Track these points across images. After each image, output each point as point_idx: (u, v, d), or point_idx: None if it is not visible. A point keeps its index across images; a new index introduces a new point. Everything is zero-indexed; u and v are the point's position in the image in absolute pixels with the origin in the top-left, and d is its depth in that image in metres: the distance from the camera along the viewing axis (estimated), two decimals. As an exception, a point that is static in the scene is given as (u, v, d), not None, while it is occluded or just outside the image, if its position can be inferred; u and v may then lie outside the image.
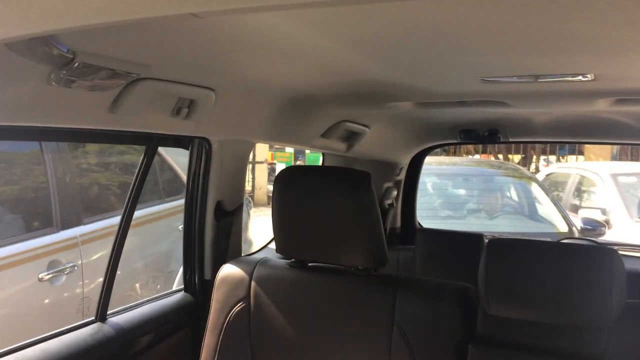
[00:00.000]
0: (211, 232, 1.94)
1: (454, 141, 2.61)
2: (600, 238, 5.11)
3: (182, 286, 2.02)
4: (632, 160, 11.90)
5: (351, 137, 2.26)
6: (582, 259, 1.33)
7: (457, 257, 2.47)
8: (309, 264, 1.69)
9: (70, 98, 1.21)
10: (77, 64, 1.07)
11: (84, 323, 1.68)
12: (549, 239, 4.99)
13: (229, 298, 1.69)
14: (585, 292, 1.29)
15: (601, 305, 1.27)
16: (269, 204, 13.53)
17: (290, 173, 1.67)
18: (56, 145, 3.15)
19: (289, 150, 18.27)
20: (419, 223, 3.13)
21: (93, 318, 1.71)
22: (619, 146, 11.48)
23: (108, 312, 1.74)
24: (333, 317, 1.57)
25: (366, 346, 1.51)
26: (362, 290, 1.57)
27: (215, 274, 1.77)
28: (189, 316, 1.93)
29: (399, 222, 3.04)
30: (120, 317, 1.75)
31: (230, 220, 1.97)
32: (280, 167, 15.63)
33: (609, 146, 11.54)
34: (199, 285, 1.97)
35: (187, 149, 1.90)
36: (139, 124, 1.45)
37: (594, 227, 5.26)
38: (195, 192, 1.93)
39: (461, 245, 2.49)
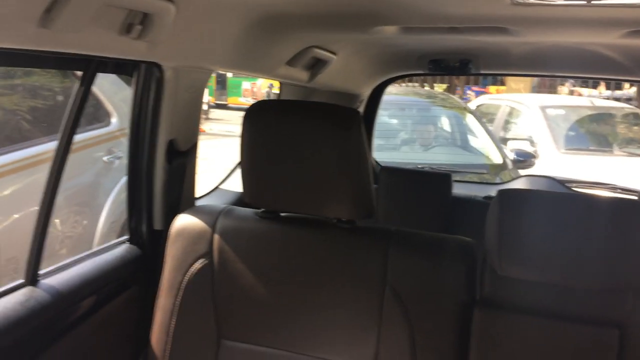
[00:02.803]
0: (162, 176, 1.66)
1: (421, 72, 2.41)
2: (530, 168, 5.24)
3: (127, 236, 1.73)
4: (550, 92, 12.34)
5: (316, 66, 2.00)
6: (609, 213, 1.19)
7: (422, 198, 2.34)
8: (282, 215, 1.47)
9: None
10: None
11: (11, 288, 1.38)
12: (483, 170, 5.05)
13: (187, 254, 1.45)
14: (610, 251, 1.16)
15: (627, 265, 1.15)
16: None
17: (264, 108, 1.41)
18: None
19: (226, 72, 17.48)
20: (375, 160, 2.96)
21: (22, 281, 1.41)
22: (539, 78, 11.80)
23: (40, 273, 1.44)
24: (311, 275, 1.38)
25: (352, 310, 1.34)
26: (347, 245, 1.38)
27: (167, 224, 1.52)
28: (136, 272, 1.67)
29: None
30: (55, 279, 1.46)
31: (183, 161, 1.69)
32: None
33: (529, 78, 11.84)
34: (147, 237, 1.70)
35: (130, 76, 1.57)
36: (78, 43, 1.12)
37: (525, 158, 5.36)
38: (142, 128, 1.62)
39: (427, 185, 2.35)
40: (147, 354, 1.49)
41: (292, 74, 1.94)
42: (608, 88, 11.65)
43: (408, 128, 5.70)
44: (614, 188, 2.92)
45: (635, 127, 6.82)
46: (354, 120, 1.32)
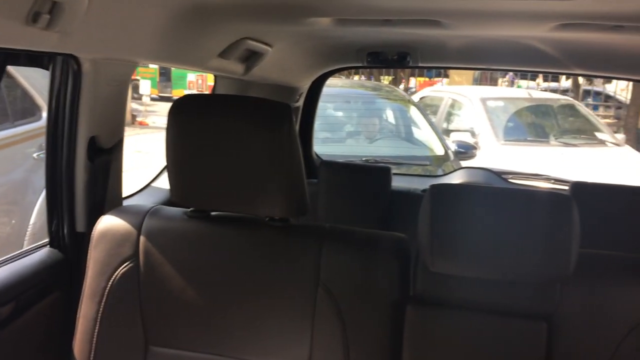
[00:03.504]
0: (84, 175, 1.56)
1: (359, 64, 2.39)
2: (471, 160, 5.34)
3: (47, 240, 1.63)
4: (490, 84, 12.65)
5: (251, 58, 1.94)
6: (537, 207, 1.19)
7: (362, 192, 2.33)
8: (212, 214, 1.41)
9: None
10: None
11: None
12: (427, 162, 5.11)
13: (111, 257, 1.38)
14: (541, 245, 1.17)
15: (558, 258, 1.16)
16: (133, 123, 12.64)
17: (190, 102, 1.35)
18: None
19: (153, 65, 17.04)
20: (316, 154, 2.93)
21: None
22: (480, 71, 12.07)
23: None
24: (243, 276, 1.34)
25: (285, 310, 1.30)
26: (280, 244, 1.34)
27: (91, 225, 1.43)
28: (58, 277, 1.58)
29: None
30: None
31: (108, 159, 1.59)
32: (144, 83, 14.52)
33: (471, 70, 12.10)
34: (69, 240, 1.60)
35: (47, 69, 1.47)
36: None
37: (467, 149, 5.46)
38: (60, 124, 1.52)
39: (367, 179, 2.34)
40: None
41: (225, 67, 1.87)
42: (545, 80, 12.05)
43: (353, 121, 5.70)
44: (548, 179, 3.00)
45: (571, 118, 7.07)
46: (285, 115, 1.27)
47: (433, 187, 1.27)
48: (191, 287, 1.35)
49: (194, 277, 1.36)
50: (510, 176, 2.88)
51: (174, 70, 18.03)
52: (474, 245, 1.20)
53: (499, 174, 2.87)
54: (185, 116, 1.31)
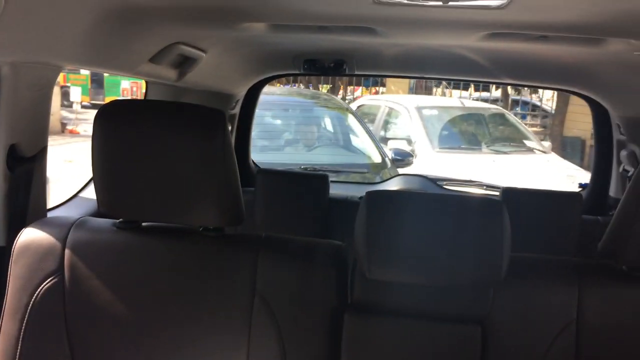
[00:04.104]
0: (3, 185, 1.47)
1: (296, 72, 2.38)
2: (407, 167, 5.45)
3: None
4: (425, 93, 12.97)
5: (184, 63, 1.89)
6: (470, 213, 1.22)
7: (300, 199, 2.31)
8: (143, 224, 1.36)
9: None
10: None
11: None
12: (365, 170, 5.16)
13: (33, 272, 1.31)
14: (474, 250, 1.19)
15: (491, 262, 1.18)
16: (63, 131, 12.13)
17: (118, 108, 1.30)
18: None
19: (84, 71, 16.42)
20: (253, 162, 2.89)
21: None
22: (416, 80, 12.36)
23: None
24: (176, 288, 1.29)
25: (220, 321, 1.27)
26: (214, 255, 1.31)
27: (11, 239, 1.35)
28: None
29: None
30: None
31: (29, 168, 1.50)
32: (75, 90, 13.97)
33: (407, 80, 12.37)
34: None
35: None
36: None
37: (403, 157, 5.56)
38: None
39: (305, 187, 2.32)
40: None
41: (157, 72, 1.81)
42: (477, 90, 12.50)
43: (292, 129, 5.70)
44: (480, 185, 3.09)
45: (501, 127, 7.35)
46: (219, 121, 1.24)
47: (369, 194, 1.27)
48: (120, 302, 1.29)
49: (124, 291, 1.30)
50: (445, 182, 2.95)
51: (107, 77, 17.46)
52: (410, 251, 1.21)
53: (434, 181, 2.93)
54: (113, 122, 1.26)
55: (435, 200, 1.28)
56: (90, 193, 2.08)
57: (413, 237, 1.21)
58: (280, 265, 1.28)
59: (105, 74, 16.72)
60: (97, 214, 1.50)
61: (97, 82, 17.48)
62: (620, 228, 1.20)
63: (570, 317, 1.21)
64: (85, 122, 12.81)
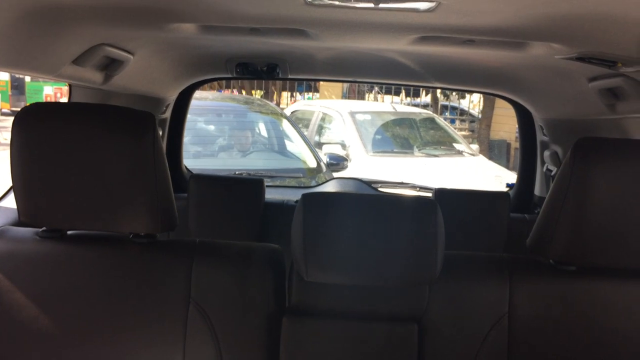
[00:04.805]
0: None
1: (229, 75, 2.34)
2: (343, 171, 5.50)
3: None
4: (358, 98, 13.16)
5: (110, 66, 1.81)
6: (405, 212, 1.23)
7: (234, 205, 2.27)
8: (68, 233, 1.29)
9: None
10: None
11: None
12: (300, 175, 5.16)
13: None
14: (410, 248, 1.20)
15: (426, 260, 1.20)
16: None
17: (38, 112, 1.22)
18: None
19: (4, 77, 15.58)
20: (186, 167, 2.81)
21: None
22: (348, 85, 12.53)
23: None
24: (106, 299, 1.23)
25: (154, 331, 1.22)
26: (146, 262, 1.26)
27: None
28: None
29: (163, 167, 2.67)
30: None
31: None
32: (-7, 96, 13.24)
33: (340, 85, 12.51)
34: None
35: None
36: None
37: (338, 161, 5.61)
38: None
39: (240, 192, 2.28)
40: None
41: (81, 75, 1.73)
42: (407, 95, 12.79)
43: (225, 134, 5.62)
44: (413, 187, 3.16)
45: (432, 131, 7.55)
46: (148, 123, 1.20)
47: (305, 196, 1.26)
48: (45, 315, 1.22)
49: (48, 304, 1.22)
50: (379, 185, 2.98)
51: (29, 83, 16.66)
52: (347, 252, 1.20)
53: (369, 183, 2.96)
54: (33, 125, 1.19)
55: (371, 201, 1.28)
56: (11, 202, 1.96)
57: (349, 238, 1.20)
58: (215, 270, 1.25)
59: (27, 79, 15.94)
60: (18, 224, 1.41)
61: (18, 89, 16.63)
62: (547, 224, 1.25)
63: (502, 311, 1.24)
64: (5, 130, 12.15)
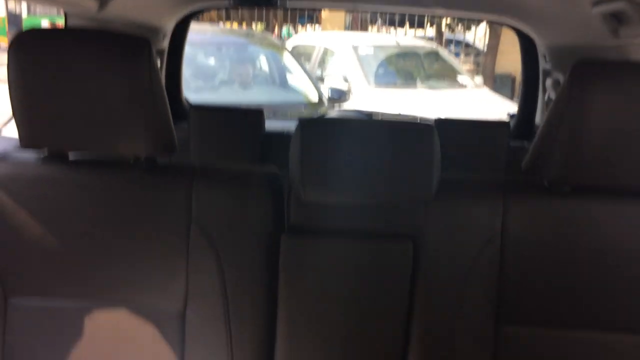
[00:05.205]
0: None
1: (226, 3, 2.29)
2: (344, 104, 5.47)
3: None
4: (361, 29, 12.90)
5: (105, -9, 1.78)
6: (401, 136, 1.24)
7: (235, 135, 2.28)
8: (70, 158, 1.32)
9: None
10: None
11: None
12: (302, 108, 5.15)
13: None
14: (405, 170, 1.22)
15: (421, 182, 1.22)
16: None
17: (35, 37, 1.22)
18: None
19: (1, 12, 15.29)
20: (186, 99, 2.81)
21: None
22: (351, 17, 12.26)
23: None
24: (110, 220, 1.27)
25: (157, 251, 1.27)
26: (147, 185, 1.29)
27: None
28: None
29: (163, 98, 2.66)
30: None
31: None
32: (-11, 32, 13.01)
33: (342, 16, 12.24)
34: None
35: None
36: None
37: (340, 95, 5.58)
38: None
39: (239, 122, 2.29)
40: None
41: (75, 1, 1.70)
42: (412, 27, 12.52)
43: (227, 68, 5.56)
44: (414, 119, 3.15)
45: (435, 64, 7.44)
46: (144, 48, 1.19)
47: (302, 120, 1.27)
48: (52, 235, 1.26)
49: (54, 224, 1.27)
50: (380, 116, 2.98)
51: (26, 18, 16.35)
52: (343, 173, 1.23)
53: (369, 115, 2.96)
54: (30, 51, 1.19)
55: (367, 125, 1.29)
56: (13, 132, 1.97)
57: (346, 160, 1.22)
58: (215, 192, 1.28)
59: (24, 15, 15.63)
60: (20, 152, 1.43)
61: (15, 24, 16.34)
62: (542, 146, 1.26)
63: (495, 230, 1.28)
64: (3, 65, 12.02)
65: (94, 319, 1.30)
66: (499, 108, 6.01)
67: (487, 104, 6.22)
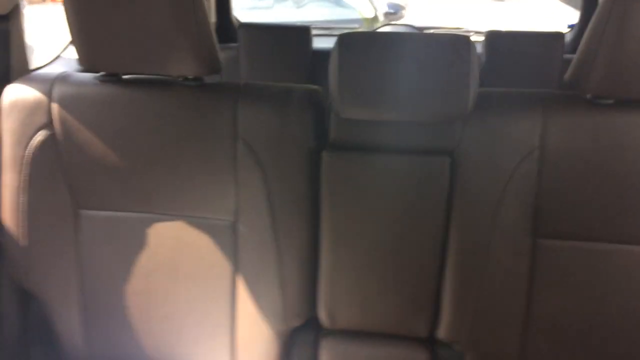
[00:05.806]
0: None
1: None
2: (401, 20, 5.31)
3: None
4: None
5: None
6: (439, 49, 1.23)
7: (284, 53, 2.31)
8: (124, 77, 1.40)
9: None
10: None
11: None
12: (357, 25, 5.04)
13: (25, 126, 1.37)
14: (443, 84, 1.22)
15: (458, 95, 1.22)
16: None
17: None
18: None
19: None
20: (236, 18, 2.83)
21: None
22: None
23: None
24: (162, 136, 1.36)
25: (208, 165, 1.35)
26: (196, 103, 1.36)
27: None
28: None
29: (213, 17, 2.69)
30: None
31: (5, 27, 1.50)
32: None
33: None
34: None
35: None
36: None
37: (397, 10, 5.41)
38: None
39: (287, 40, 2.30)
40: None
41: None
42: None
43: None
44: (467, 31, 3.04)
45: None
46: None
47: (341, 36, 1.28)
48: (111, 150, 1.37)
49: (114, 140, 1.36)
50: (432, 30, 2.90)
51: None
52: (380, 89, 1.24)
53: (420, 29, 2.88)
54: None
55: (405, 39, 1.28)
56: (73, 53, 2.08)
57: (383, 76, 1.23)
58: (259, 109, 1.33)
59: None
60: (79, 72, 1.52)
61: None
62: (585, 58, 1.22)
63: (533, 143, 1.27)
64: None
65: (156, 230, 1.42)
66: (567, 20, 5.67)
67: (554, 15, 5.87)
